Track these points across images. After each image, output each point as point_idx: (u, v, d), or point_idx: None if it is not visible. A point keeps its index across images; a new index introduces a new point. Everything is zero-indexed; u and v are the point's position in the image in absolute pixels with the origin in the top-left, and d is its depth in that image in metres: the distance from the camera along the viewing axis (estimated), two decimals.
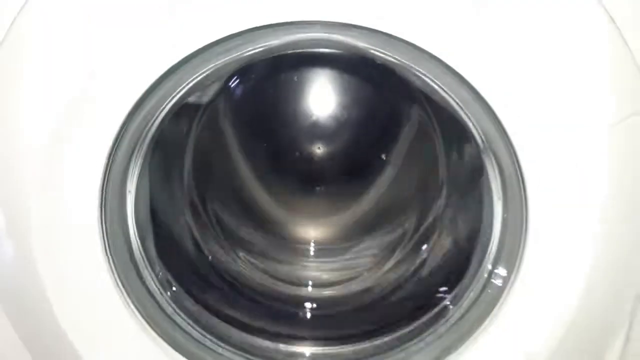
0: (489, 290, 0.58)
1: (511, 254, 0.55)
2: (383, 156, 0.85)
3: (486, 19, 0.47)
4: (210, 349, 0.64)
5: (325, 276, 0.81)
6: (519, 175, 0.51)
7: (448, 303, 0.64)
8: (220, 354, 0.64)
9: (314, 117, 0.82)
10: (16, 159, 0.48)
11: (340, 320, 0.75)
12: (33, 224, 0.49)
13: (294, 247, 0.85)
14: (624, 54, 0.48)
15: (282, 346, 0.69)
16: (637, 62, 0.49)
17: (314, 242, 0.86)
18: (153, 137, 0.58)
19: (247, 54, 0.51)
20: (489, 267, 0.59)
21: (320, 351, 0.69)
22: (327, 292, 0.79)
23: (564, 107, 0.48)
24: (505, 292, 0.55)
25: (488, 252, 0.59)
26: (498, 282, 0.58)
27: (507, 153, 0.51)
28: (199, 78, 0.52)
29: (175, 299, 0.64)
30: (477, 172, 0.62)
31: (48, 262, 0.51)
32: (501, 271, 0.58)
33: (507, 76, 0.48)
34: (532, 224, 0.52)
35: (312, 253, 0.85)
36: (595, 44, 0.48)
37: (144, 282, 0.60)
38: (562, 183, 0.49)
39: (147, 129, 0.55)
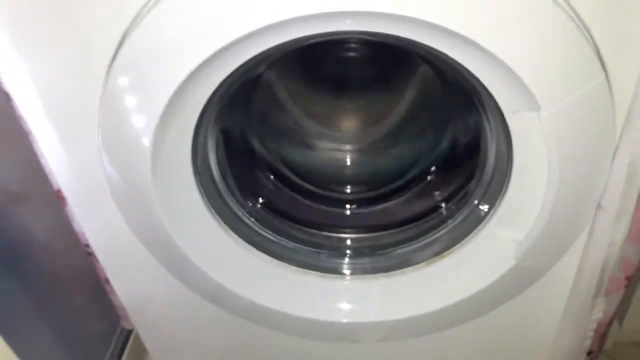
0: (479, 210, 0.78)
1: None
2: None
3: None
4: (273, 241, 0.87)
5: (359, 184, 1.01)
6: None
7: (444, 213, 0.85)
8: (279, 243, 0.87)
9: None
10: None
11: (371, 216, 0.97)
12: (151, 176, 0.67)
13: (333, 156, 1.04)
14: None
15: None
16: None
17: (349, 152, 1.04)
18: (223, 106, 0.74)
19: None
20: (475, 202, 0.78)
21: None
22: (361, 195, 0.99)
23: None
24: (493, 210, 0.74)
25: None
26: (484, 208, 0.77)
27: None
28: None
29: (249, 211, 0.86)
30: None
31: (161, 193, 0.70)
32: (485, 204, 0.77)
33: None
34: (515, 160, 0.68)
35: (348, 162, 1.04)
36: None
37: (226, 203, 0.82)
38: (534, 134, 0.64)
39: (220, 100, 0.71)
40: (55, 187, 0.77)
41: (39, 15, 0.60)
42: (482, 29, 0.55)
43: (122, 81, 0.62)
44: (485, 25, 0.55)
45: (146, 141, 0.64)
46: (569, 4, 0.56)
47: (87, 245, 0.85)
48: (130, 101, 0.63)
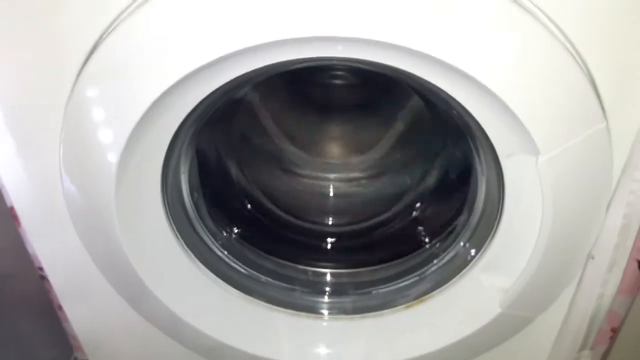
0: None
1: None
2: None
3: None
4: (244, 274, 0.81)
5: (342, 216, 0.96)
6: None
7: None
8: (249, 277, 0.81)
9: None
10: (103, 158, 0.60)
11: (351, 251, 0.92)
12: (115, 197, 0.61)
13: (316, 186, 0.99)
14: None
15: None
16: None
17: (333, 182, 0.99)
18: (200, 125, 0.69)
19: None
20: (461, 244, 0.74)
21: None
22: (343, 228, 0.94)
23: None
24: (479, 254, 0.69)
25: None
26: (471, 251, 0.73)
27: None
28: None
29: (222, 241, 0.80)
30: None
31: (124, 217, 0.64)
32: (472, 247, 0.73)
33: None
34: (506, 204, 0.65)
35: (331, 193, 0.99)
36: None
37: (195, 231, 0.76)
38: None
39: (198, 119, 0.66)
40: (9, 204, 0.71)
41: (4, 16, 0.55)
42: (484, 66, 0.52)
43: (91, 91, 0.56)
44: (487, 62, 0.52)
45: (112, 158, 0.58)
46: (575, 49, 0.53)
47: (41, 269, 0.78)
48: (98, 114, 0.57)
